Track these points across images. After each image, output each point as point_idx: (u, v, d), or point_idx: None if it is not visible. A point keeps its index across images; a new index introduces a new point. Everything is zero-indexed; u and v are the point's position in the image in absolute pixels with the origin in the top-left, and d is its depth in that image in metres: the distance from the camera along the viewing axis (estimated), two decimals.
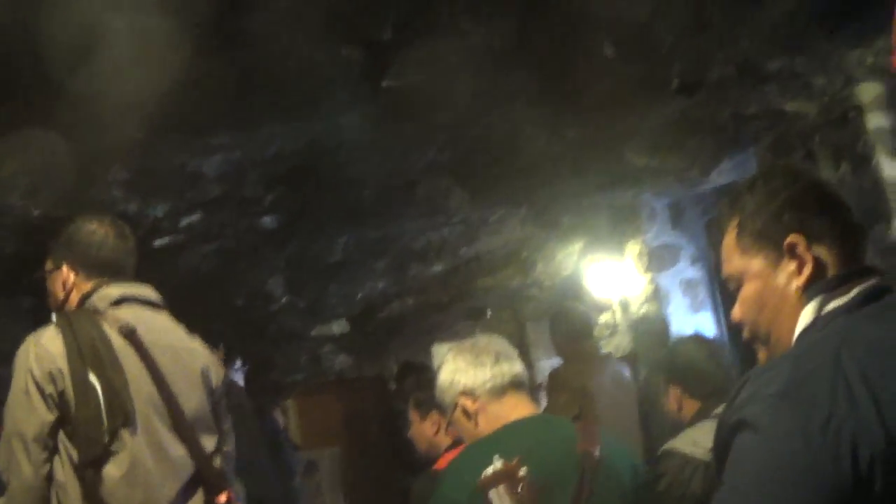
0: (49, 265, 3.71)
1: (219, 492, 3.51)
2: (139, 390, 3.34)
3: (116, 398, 3.24)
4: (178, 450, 3.41)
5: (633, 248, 9.11)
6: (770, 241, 2.05)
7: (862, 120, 6.24)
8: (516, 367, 3.24)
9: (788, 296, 2.02)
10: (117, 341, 3.35)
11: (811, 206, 2.04)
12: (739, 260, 2.12)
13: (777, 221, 2.04)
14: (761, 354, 2.15)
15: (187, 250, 6.54)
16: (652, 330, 8.63)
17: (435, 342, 11.24)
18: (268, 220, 6.46)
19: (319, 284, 8.26)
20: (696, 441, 3.95)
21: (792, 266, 2.01)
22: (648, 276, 8.97)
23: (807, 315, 1.94)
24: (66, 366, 3.22)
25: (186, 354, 3.60)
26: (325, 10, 4.40)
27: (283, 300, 8.23)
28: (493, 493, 2.26)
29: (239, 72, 4.67)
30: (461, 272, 9.33)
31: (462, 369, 3.22)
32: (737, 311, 2.16)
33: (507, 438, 2.99)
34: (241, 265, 7.26)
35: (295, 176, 5.85)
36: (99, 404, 3.21)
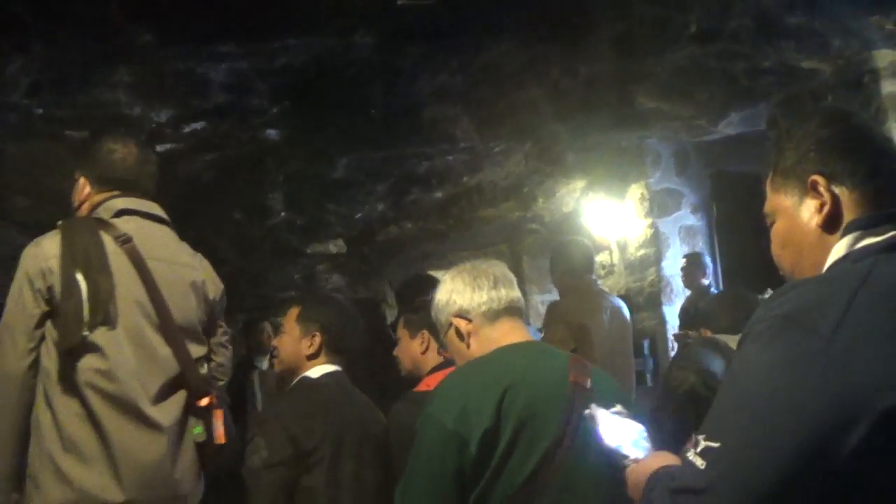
0: (76, 174, 3.90)
1: (202, 395, 3.68)
2: (128, 294, 3.52)
3: (99, 298, 3.43)
4: (163, 350, 3.59)
5: (636, 192, 9.11)
6: (796, 180, 2.06)
7: (876, 85, 6.21)
8: (513, 293, 3.23)
9: (808, 233, 2.03)
10: (112, 248, 3.54)
11: (837, 147, 2.03)
12: (771, 197, 2.14)
13: (804, 160, 2.05)
14: None
15: (188, 158, 6.50)
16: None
17: (430, 269, 11.27)
18: (271, 134, 6.41)
19: (319, 202, 8.24)
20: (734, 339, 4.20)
21: (814, 204, 2.02)
22: (648, 220, 8.97)
23: (840, 249, 1.95)
24: (56, 265, 3.42)
25: (181, 267, 3.78)
26: None
27: (282, 216, 8.22)
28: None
29: None
30: (462, 201, 9.30)
31: (459, 290, 3.22)
32: (772, 248, 2.19)
33: (498, 363, 2.99)
34: (241, 177, 7.23)
35: (301, 91, 5.80)
36: (81, 301, 3.39)
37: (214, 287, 3.93)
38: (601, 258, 9.61)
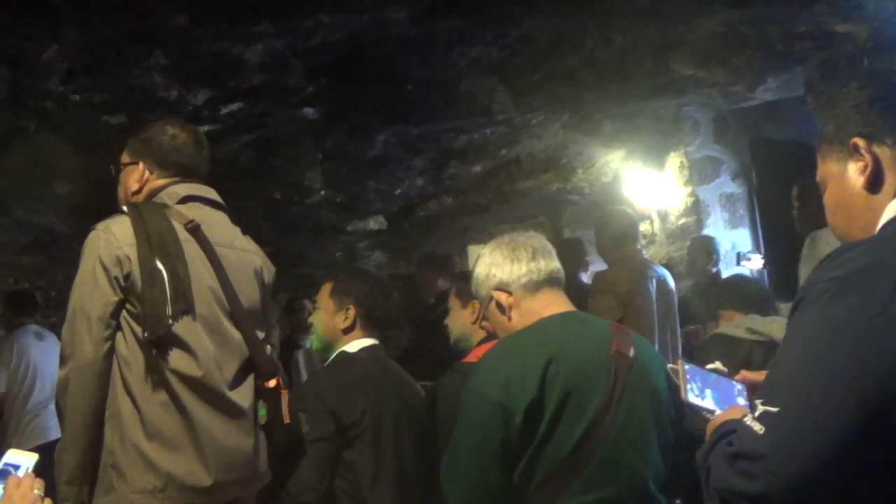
0: (125, 158, 3.85)
1: (270, 377, 3.70)
2: (201, 280, 3.52)
3: (180, 285, 3.41)
4: (235, 335, 3.61)
5: (675, 160, 9.04)
6: (839, 145, 2.05)
7: None
8: (553, 263, 3.21)
9: (855, 196, 2.02)
10: (183, 235, 3.53)
11: (875, 106, 2.01)
12: (820, 166, 2.13)
13: (844, 124, 2.04)
14: None
15: (226, 139, 6.51)
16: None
17: (470, 243, 11.24)
18: (308, 112, 6.40)
19: (358, 179, 8.23)
20: (739, 325, 4.47)
21: (857, 167, 2.00)
22: (688, 188, 8.91)
23: (892, 209, 1.94)
24: (133, 252, 3.38)
25: (243, 253, 3.79)
26: None
27: (321, 194, 8.21)
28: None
29: None
30: (500, 174, 9.27)
31: (498, 263, 3.21)
32: (826, 217, 2.18)
33: (540, 334, 2.97)
34: (279, 156, 7.24)
35: (337, 68, 5.78)
36: (165, 288, 3.37)
37: (269, 272, 3.94)
38: (643, 228, 9.54)
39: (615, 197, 9.51)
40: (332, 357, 4.15)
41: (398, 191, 8.85)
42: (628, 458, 2.85)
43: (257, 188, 7.73)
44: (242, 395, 3.59)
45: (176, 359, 3.39)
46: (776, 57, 6.72)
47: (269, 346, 3.82)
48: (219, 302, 3.57)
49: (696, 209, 8.83)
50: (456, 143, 7.84)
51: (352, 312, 4.11)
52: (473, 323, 4.46)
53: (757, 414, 1.76)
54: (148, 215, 3.50)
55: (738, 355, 4.28)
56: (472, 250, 11.33)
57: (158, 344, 3.36)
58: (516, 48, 6.05)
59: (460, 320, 4.57)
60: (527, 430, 2.74)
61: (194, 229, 3.56)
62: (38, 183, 6.51)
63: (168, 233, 3.46)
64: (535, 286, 3.15)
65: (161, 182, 3.73)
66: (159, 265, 3.38)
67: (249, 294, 3.72)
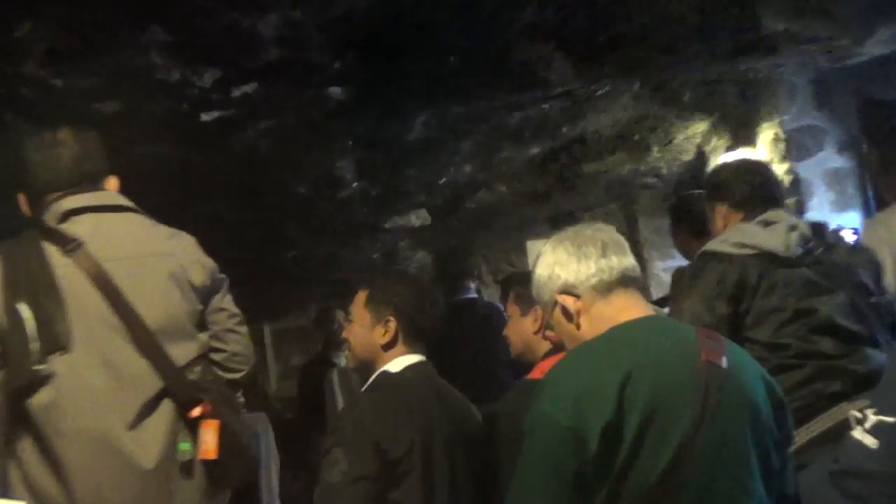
0: None
1: (192, 405, 3.73)
2: (86, 310, 3.59)
3: (48, 325, 3.49)
4: (136, 365, 3.64)
5: (768, 132, 8.97)
6: None
7: None
8: (627, 260, 3.19)
9: None
10: (60, 261, 3.61)
11: None
12: None
13: None
14: None
15: (240, 127, 6.51)
16: None
17: (529, 238, 11.21)
18: (336, 92, 6.39)
19: (395, 168, 8.23)
20: (726, 239, 4.64)
21: None
22: (785, 165, 8.84)
23: None
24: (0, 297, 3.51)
25: (151, 259, 3.82)
26: None
27: (354, 186, 8.22)
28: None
29: None
30: (562, 156, 9.25)
31: (563, 262, 3.19)
32: None
33: (615, 344, 2.95)
34: (303, 145, 7.24)
35: (367, 40, 5.77)
36: (25, 334, 3.46)
37: (201, 269, 3.95)
38: None
39: (698, 178, 9.45)
40: (371, 378, 4.12)
41: (443, 180, 8.85)
42: (724, 488, 2.82)
43: (279, 182, 7.75)
44: (147, 435, 3.62)
45: (48, 408, 3.47)
46: (887, 2, 6.64)
47: (196, 368, 3.85)
48: (111, 328, 3.61)
49: (797, 190, 8.74)
50: (509, 121, 7.82)
51: (392, 325, 4.06)
52: (536, 332, 4.42)
53: (869, 425, 1.74)
54: (15, 253, 3.61)
55: (730, 277, 4.41)
56: (532, 246, 11.31)
57: (25, 394, 3.45)
58: (576, 7, 6.02)
59: (521, 330, 4.53)
60: (603, 459, 2.71)
61: (74, 250, 3.62)
62: None
63: (37, 264, 3.55)
64: (606, 287, 3.13)
65: (44, 204, 3.81)
66: (20, 306, 3.47)
67: (161, 307, 3.75)
